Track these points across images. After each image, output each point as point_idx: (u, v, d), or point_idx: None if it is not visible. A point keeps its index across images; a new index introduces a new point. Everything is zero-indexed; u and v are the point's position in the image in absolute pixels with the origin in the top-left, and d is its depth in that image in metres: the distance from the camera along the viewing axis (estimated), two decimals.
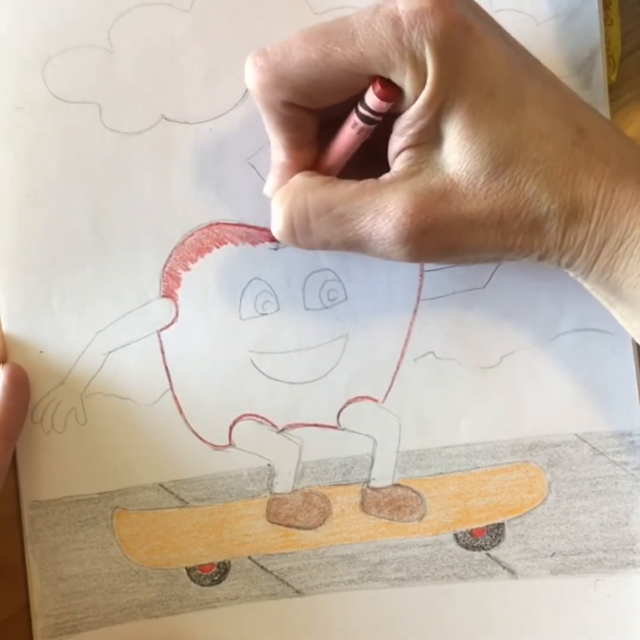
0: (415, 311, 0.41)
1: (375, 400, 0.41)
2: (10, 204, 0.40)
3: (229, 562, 0.42)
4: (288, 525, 0.42)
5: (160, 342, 0.41)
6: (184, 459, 0.41)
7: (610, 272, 0.34)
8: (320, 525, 0.42)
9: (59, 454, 0.41)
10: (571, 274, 0.35)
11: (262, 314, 0.41)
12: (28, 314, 0.40)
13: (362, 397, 0.41)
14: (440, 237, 0.34)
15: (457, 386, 0.41)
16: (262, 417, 0.41)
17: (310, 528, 0.42)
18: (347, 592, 0.42)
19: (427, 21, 0.32)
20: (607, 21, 0.40)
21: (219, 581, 0.42)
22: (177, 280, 0.41)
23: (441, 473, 0.41)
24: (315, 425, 0.41)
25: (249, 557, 0.42)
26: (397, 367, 0.41)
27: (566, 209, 0.33)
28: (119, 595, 0.41)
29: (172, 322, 0.41)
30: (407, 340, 0.41)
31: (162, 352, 0.41)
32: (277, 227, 0.36)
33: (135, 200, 0.40)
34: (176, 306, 0.41)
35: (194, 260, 0.41)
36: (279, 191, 0.36)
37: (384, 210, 0.34)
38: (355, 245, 0.35)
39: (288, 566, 0.42)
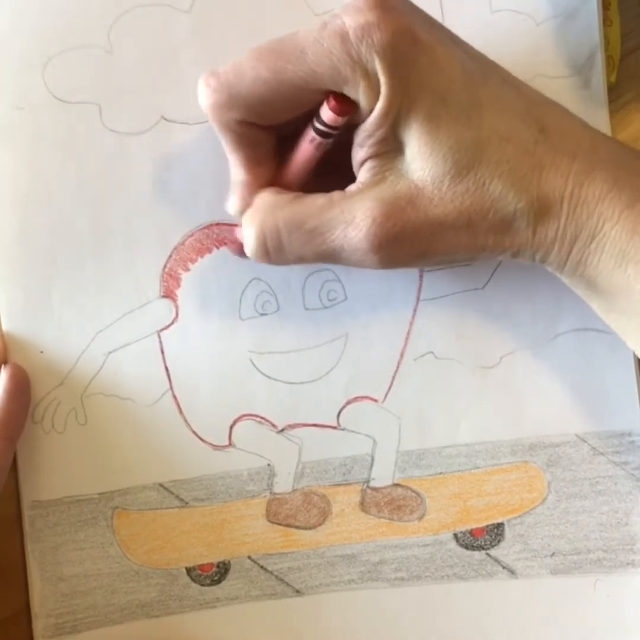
0: (415, 311, 0.41)
1: (375, 400, 0.41)
2: (10, 204, 0.40)
3: (229, 562, 0.42)
4: (288, 525, 0.42)
5: (160, 342, 0.41)
6: (184, 459, 0.41)
7: (584, 267, 0.34)
8: (320, 525, 0.42)
9: (59, 454, 0.41)
10: (549, 269, 0.36)
11: (262, 314, 0.41)
12: (28, 314, 0.40)
13: (362, 397, 0.41)
14: (411, 243, 0.34)
15: (457, 386, 0.41)
16: (262, 417, 0.41)
17: (310, 528, 0.42)
18: (347, 592, 0.42)
19: (374, 34, 0.32)
20: (606, 21, 0.40)
21: (219, 581, 0.42)
22: (177, 280, 0.41)
23: (441, 473, 0.41)
24: (315, 425, 0.41)
25: (249, 557, 0.42)
26: (397, 367, 0.41)
27: (534, 207, 0.33)
28: (119, 595, 0.41)
29: (172, 322, 0.41)
30: (406, 340, 0.41)
31: (162, 352, 0.41)
32: (250, 247, 0.36)
33: (135, 201, 0.40)
34: (176, 306, 0.41)
35: (194, 261, 0.41)
36: (248, 212, 0.36)
37: (353, 220, 0.34)
38: (330, 257, 0.35)
39: (288, 566, 0.42)
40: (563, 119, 0.35)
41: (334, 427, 0.41)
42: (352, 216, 0.34)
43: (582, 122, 0.35)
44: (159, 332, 0.41)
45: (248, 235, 0.36)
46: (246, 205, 0.36)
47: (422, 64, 0.33)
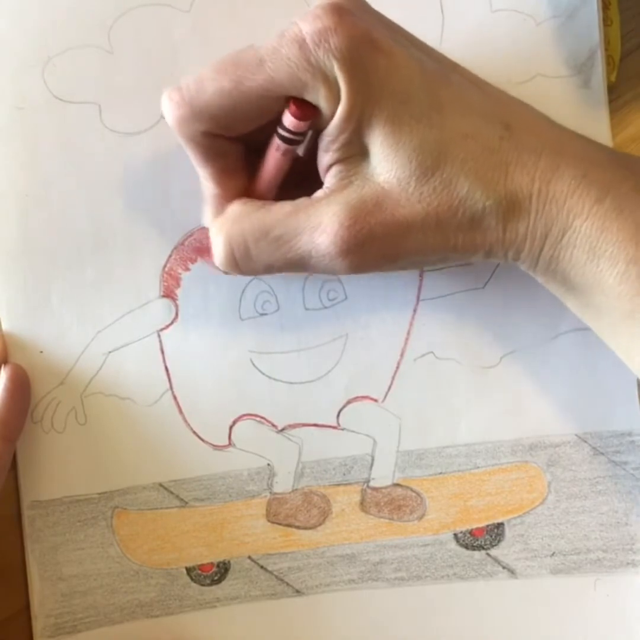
0: (415, 311, 0.41)
1: (375, 400, 0.41)
2: (10, 204, 0.40)
3: (229, 562, 0.42)
4: (288, 525, 0.42)
5: (160, 342, 0.41)
6: (184, 459, 0.41)
7: (557, 263, 0.34)
8: (320, 525, 0.42)
9: (59, 454, 0.41)
10: (522, 268, 0.35)
11: (262, 314, 0.41)
12: (28, 314, 0.40)
13: (362, 397, 0.41)
14: (380, 245, 0.34)
15: (457, 386, 0.41)
16: (262, 417, 0.41)
17: (310, 528, 0.42)
18: (347, 591, 0.42)
19: (331, 39, 0.32)
20: (606, 21, 0.40)
21: (218, 581, 0.42)
22: (177, 280, 0.41)
23: (441, 473, 0.41)
24: (315, 425, 0.41)
25: (249, 557, 0.42)
26: (397, 367, 0.41)
27: (502, 204, 0.33)
28: (118, 595, 0.41)
29: (172, 322, 0.41)
30: (406, 340, 0.41)
31: (162, 352, 0.41)
32: (218, 257, 0.36)
33: (135, 201, 0.40)
34: (176, 306, 0.41)
35: (193, 261, 0.41)
36: (215, 222, 0.36)
37: (319, 226, 0.34)
38: (298, 264, 0.35)
39: (288, 566, 0.42)
40: (528, 116, 0.35)
41: (334, 427, 0.41)
42: (319, 221, 0.34)
43: (548, 119, 0.35)
44: (159, 332, 0.41)
45: (216, 245, 0.36)
46: (218, 217, 0.36)
47: (382, 67, 0.33)
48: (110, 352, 0.41)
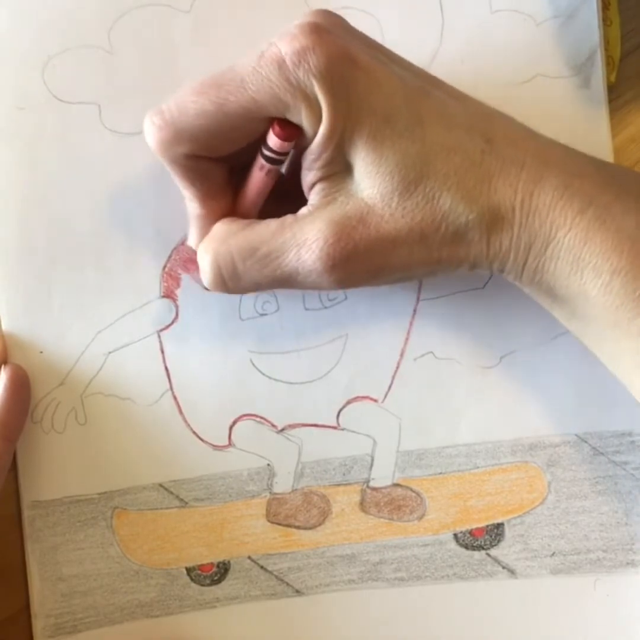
0: (415, 311, 0.41)
1: (375, 400, 0.41)
2: (10, 204, 0.40)
3: (229, 562, 0.42)
4: (288, 525, 0.42)
5: (160, 342, 0.41)
6: (184, 459, 0.41)
7: (541, 274, 0.34)
8: (320, 525, 0.42)
9: (59, 454, 0.41)
10: (509, 279, 0.35)
11: (262, 314, 0.41)
12: (28, 314, 0.40)
13: (362, 397, 0.41)
14: (365, 261, 0.34)
15: (457, 386, 0.41)
16: (261, 417, 0.41)
17: (310, 528, 0.42)
18: (347, 591, 0.42)
19: (310, 59, 0.32)
20: (606, 21, 0.40)
21: (218, 581, 0.42)
22: (177, 280, 0.41)
23: (441, 473, 0.41)
24: (315, 425, 0.41)
25: (249, 557, 0.42)
26: (397, 367, 0.41)
27: (486, 218, 0.33)
28: (118, 595, 0.41)
29: (172, 322, 0.41)
30: (406, 340, 0.41)
31: (162, 352, 0.41)
32: (206, 277, 0.36)
33: (135, 201, 0.40)
34: (176, 306, 0.41)
35: (194, 261, 0.40)
36: (201, 243, 0.36)
37: (305, 243, 0.34)
38: (286, 281, 0.35)
39: (288, 566, 0.42)
40: (510, 128, 0.35)
41: (334, 427, 0.41)
42: (304, 239, 0.34)
43: (530, 130, 0.35)
44: (159, 332, 0.41)
45: (203, 265, 0.36)
46: (204, 238, 0.37)
47: (362, 84, 0.33)
48: (110, 352, 0.41)
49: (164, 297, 0.41)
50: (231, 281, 0.36)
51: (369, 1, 0.40)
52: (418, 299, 0.41)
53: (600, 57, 0.40)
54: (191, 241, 0.38)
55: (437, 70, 0.39)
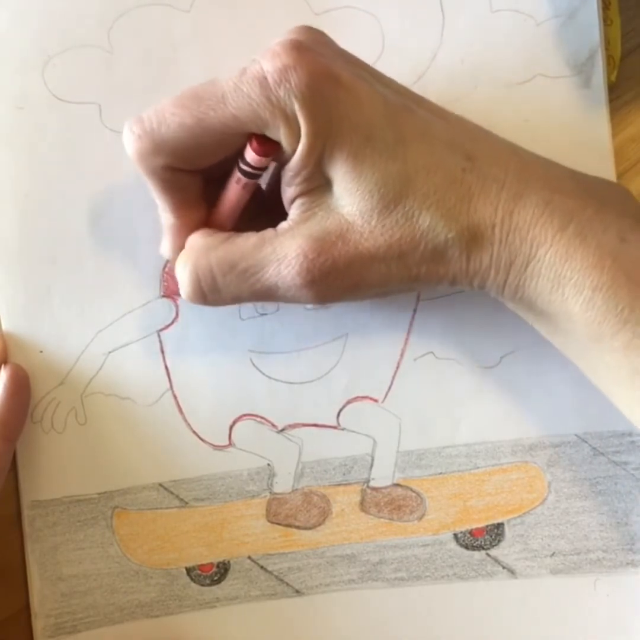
0: (415, 311, 0.41)
1: (375, 400, 0.41)
2: (10, 204, 0.40)
3: (229, 562, 0.42)
4: (288, 525, 0.42)
5: (161, 342, 0.41)
6: (184, 459, 0.41)
7: (523, 291, 0.34)
8: (320, 525, 0.42)
9: (59, 454, 0.41)
10: (491, 295, 0.35)
11: (262, 314, 0.41)
12: (28, 314, 0.40)
13: (362, 397, 0.41)
14: (344, 276, 0.34)
15: (457, 386, 0.41)
16: (262, 417, 0.41)
17: (310, 528, 0.42)
18: (346, 592, 0.42)
19: (291, 78, 0.32)
20: (606, 21, 0.40)
21: (218, 581, 0.42)
22: (177, 280, 0.41)
23: (441, 473, 0.41)
24: (315, 425, 0.41)
25: (249, 557, 0.42)
26: (397, 367, 0.41)
27: (465, 236, 0.33)
28: (118, 595, 0.41)
29: (172, 322, 0.41)
30: (406, 340, 0.41)
31: (162, 352, 0.41)
32: (185, 290, 0.36)
33: (135, 200, 0.40)
34: (176, 306, 0.41)
35: None
36: (181, 255, 0.36)
37: (285, 258, 0.34)
38: (266, 295, 0.35)
39: (288, 566, 0.42)
40: (491, 145, 0.35)
41: (334, 427, 0.41)
42: (284, 254, 0.34)
43: (512, 146, 0.35)
44: (159, 332, 0.41)
45: (182, 278, 0.36)
46: (178, 248, 0.36)
47: (343, 102, 0.33)
48: (110, 352, 0.41)
49: (164, 297, 0.41)
50: (211, 294, 0.36)
51: (369, 1, 0.40)
52: (418, 299, 0.41)
53: (601, 57, 0.40)
54: (163, 250, 0.37)
55: (437, 70, 0.40)
